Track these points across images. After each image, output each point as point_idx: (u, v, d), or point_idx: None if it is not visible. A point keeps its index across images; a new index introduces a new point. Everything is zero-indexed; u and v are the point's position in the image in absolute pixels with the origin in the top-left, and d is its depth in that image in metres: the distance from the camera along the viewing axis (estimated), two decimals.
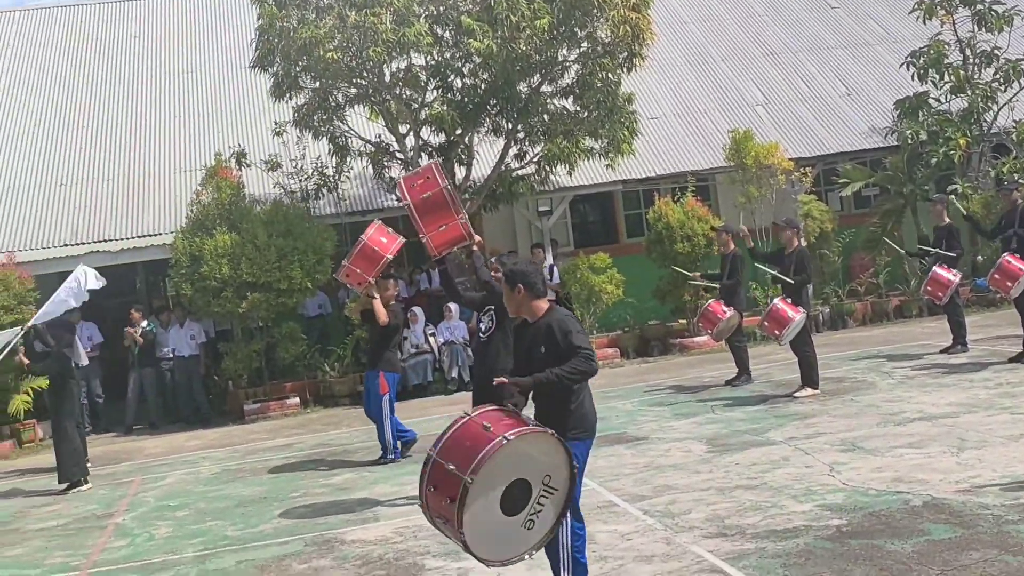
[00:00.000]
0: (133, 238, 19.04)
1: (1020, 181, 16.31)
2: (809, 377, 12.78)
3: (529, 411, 6.00)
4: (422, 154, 18.12)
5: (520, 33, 16.26)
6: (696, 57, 24.37)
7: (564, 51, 17.64)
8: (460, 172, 18.38)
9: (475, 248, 8.99)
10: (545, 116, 18.08)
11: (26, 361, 12.98)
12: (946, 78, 20.81)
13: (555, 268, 19.23)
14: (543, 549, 5.80)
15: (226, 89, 23.18)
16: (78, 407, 13.15)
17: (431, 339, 17.83)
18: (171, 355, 17.99)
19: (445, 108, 17.07)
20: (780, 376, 14.22)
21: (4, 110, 21.72)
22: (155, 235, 18.95)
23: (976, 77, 20.97)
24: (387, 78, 17.47)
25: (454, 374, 17.44)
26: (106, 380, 18.16)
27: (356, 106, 18.45)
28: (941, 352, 14.60)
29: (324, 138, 18.33)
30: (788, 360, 13.91)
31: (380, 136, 18.81)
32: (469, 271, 16.12)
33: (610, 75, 17.59)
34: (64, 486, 12.33)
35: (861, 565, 6.38)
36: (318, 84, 17.45)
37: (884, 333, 18.17)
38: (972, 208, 18.49)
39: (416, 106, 17.88)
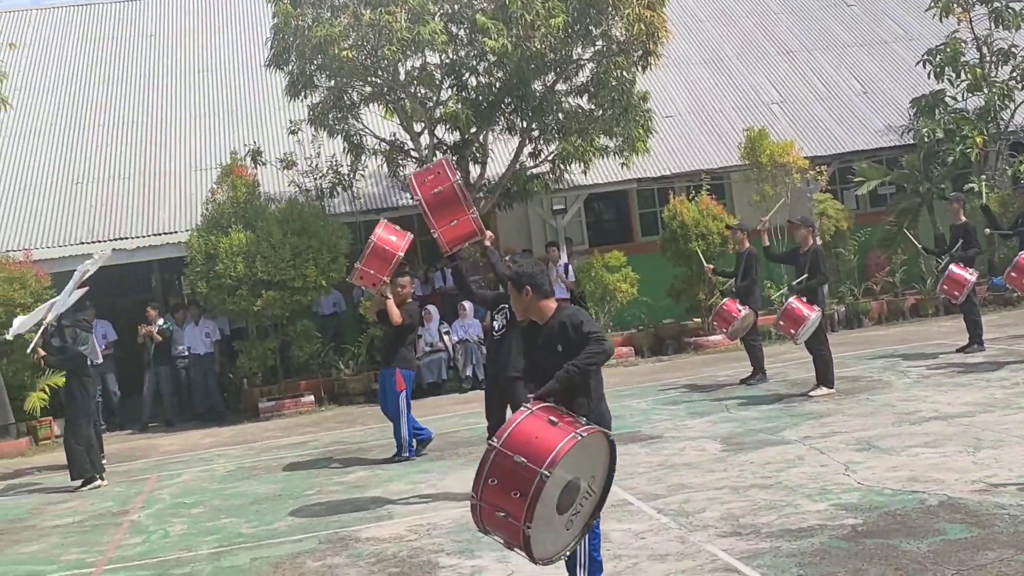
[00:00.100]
0: (149, 236, 19.13)
1: None
2: (824, 376, 12.74)
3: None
4: (437, 152, 18.12)
5: (535, 32, 16.26)
6: (711, 55, 24.32)
7: (579, 49, 17.63)
8: (475, 170, 18.39)
9: (488, 243, 8.97)
10: (560, 114, 18.07)
11: (42, 353, 13.07)
12: (963, 76, 20.71)
13: (570, 267, 19.22)
14: None
15: (242, 88, 23.25)
16: (93, 404, 13.21)
17: (445, 337, 17.85)
18: (186, 353, 18.07)
19: (460, 106, 17.06)
20: (795, 375, 14.18)
21: (21, 109, 21.81)
22: (171, 233, 19.03)
23: (993, 75, 20.87)
24: (402, 76, 17.49)
25: (468, 372, 17.46)
26: (122, 378, 18.23)
27: (371, 104, 18.47)
28: (957, 351, 14.52)
29: (339, 136, 18.36)
30: (803, 359, 13.87)
31: (395, 134, 18.83)
32: (485, 269, 16.15)
33: (625, 73, 17.57)
34: (78, 483, 12.39)
35: (876, 565, 6.35)
36: (333, 83, 17.48)
37: (900, 332, 18.10)
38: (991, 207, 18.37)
39: (431, 104, 17.89)
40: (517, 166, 18.45)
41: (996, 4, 20.53)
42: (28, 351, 12.72)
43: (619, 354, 17.92)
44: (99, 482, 12.48)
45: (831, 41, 24.82)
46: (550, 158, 18.63)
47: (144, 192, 20.53)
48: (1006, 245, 17.95)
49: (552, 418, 5.38)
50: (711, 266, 16.02)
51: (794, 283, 13.43)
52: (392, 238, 10.91)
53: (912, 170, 20.70)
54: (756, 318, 14.28)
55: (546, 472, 5.12)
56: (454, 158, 17.76)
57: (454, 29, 17.29)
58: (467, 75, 17.82)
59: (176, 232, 18.95)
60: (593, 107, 18.06)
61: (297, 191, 18.74)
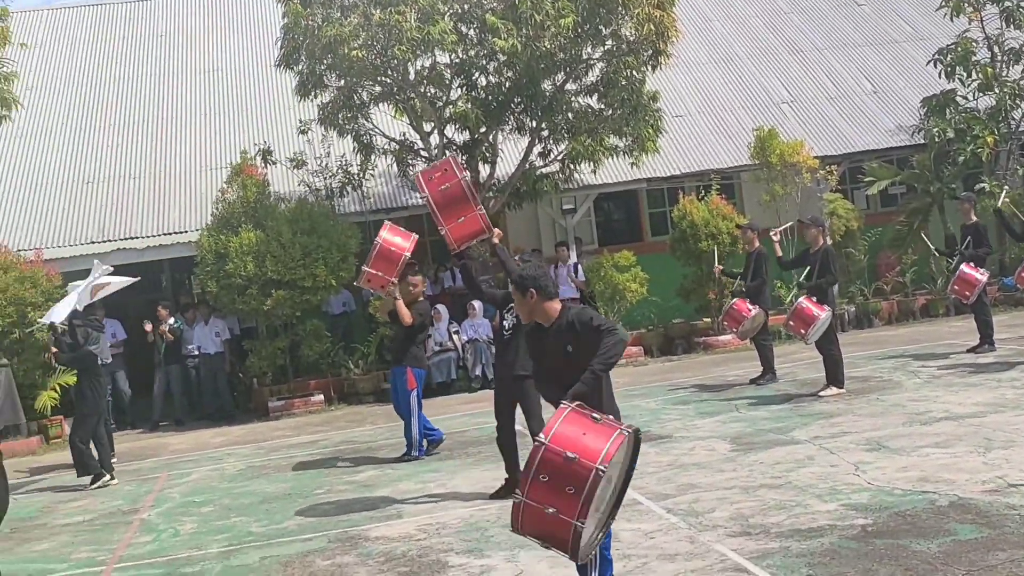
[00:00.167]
0: (159, 235, 19.18)
1: None
2: (834, 376, 12.71)
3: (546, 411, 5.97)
4: (446, 152, 18.12)
5: (544, 31, 16.27)
6: (721, 54, 24.29)
7: (588, 49, 17.64)
8: (484, 170, 18.40)
9: (495, 241, 8.95)
10: (569, 114, 18.07)
11: (54, 349, 13.14)
12: (974, 75, 20.65)
13: (579, 266, 19.22)
14: None
15: (252, 87, 23.29)
16: (103, 403, 13.26)
17: (455, 337, 17.86)
18: (197, 352, 18.12)
19: (469, 106, 17.07)
20: (805, 375, 14.16)
21: (32, 108, 21.88)
22: (181, 232, 19.08)
23: (1004, 74, 20.80)
24: (412, 76, 17.50)
25: (478, 372, 17.47)
26: (132, 377, 18.28)
27: (381, 104, 18.49)
28: (968, 351, 14.48)
29: (349, 136, 18.38)
30: (813, 359, 13.85)
31: (404, 134, 18.85)
32: (495, 269, 16.16)
33: (635, 73, 17.57)
34: (88, 480, 12.44)
35: (886, 565, 6.34)
36: (343, 82, 17.51)
37: (910, 332, 18.06)
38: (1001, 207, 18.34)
39: (440, 104, 17.90)
40: (527, 166, 18.46)
41: (1007, 3, 20.47)
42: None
43: (628, 354, 17.91)
44: (108, 478, 12.52)
45: (841, 40, 24.77)
46: (560, 158, 18.63)
47: (154, 191, 20.59)
48: (1017, 246, 17.91)
49: (594, 415, 5.39)
50: (720, 267, 16.00)
51: (801, 280, 13.40)
52: (397, 239, 10.93)
53: (923, 170, 20.65)
54: (766, 318, 14.27)
55: (601, 468, 5.12)
56: (464, 158, 17.78)
57: (464, 29, 17.30)
58: (477, 75, 17.84)
59: (186, 231, 19.01)
60: (603, 107, 18.05)
61: (307, 191, 18.77)
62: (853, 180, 21.98)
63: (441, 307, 18.21)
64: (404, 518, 9.08)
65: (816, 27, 25.25)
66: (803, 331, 12.76)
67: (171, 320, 17.90)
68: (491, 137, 18.29)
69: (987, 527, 6.84)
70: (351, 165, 18.87)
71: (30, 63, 23.15)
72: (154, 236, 19.16)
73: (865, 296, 20.02)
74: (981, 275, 14.13)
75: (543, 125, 18.11)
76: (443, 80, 17.59)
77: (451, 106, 17.70)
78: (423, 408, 11.80)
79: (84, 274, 17.51)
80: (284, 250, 16.59)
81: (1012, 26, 20.48)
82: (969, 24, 20.83)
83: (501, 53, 16.71)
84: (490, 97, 17.81)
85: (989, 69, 20.60)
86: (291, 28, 17.08)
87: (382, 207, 19.74)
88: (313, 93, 17.89)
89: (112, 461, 13.18)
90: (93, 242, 19.06)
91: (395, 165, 18.97)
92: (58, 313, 12.95)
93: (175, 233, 19.15)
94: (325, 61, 16.98)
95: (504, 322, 9.36)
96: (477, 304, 17.75)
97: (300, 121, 18.86)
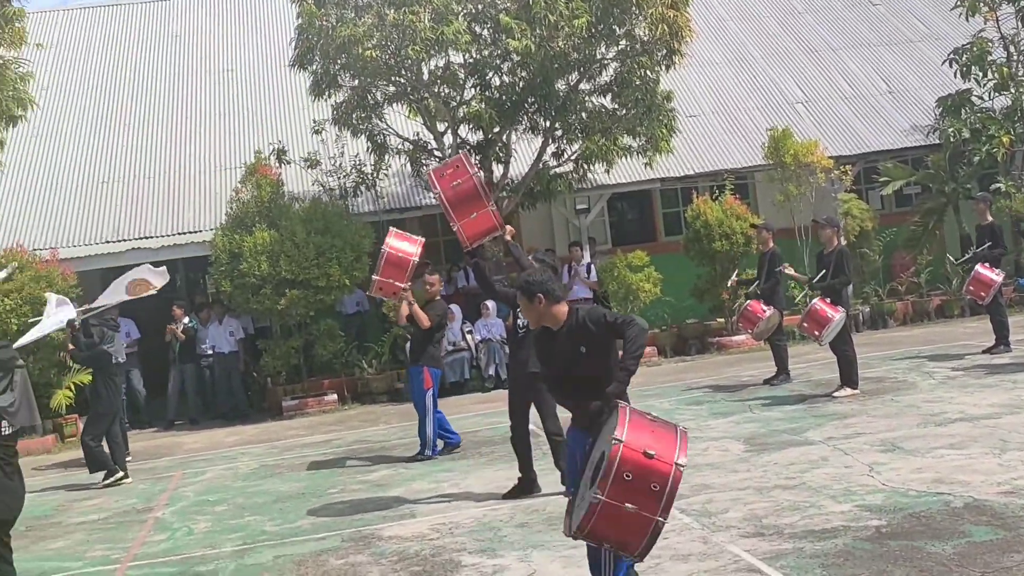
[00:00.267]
0: (174, 235, 19.22)
1: None
2: (848, 377, 12.67)
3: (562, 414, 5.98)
4: (460, 152, 18.14)
5: (558, 32, 16.26)
6: (735, 54, 24.24)
7: (602, 49, 17.62)
8: (498, 170, 18.40)
9: (508, 238, 8.94)
10: (583, 114, 18.06)
11: (71, 346, 13.20)
12: (989, 75, 20.53)
13: (592, 266, 19.21)
14: (585, 546, 5.79)
15: (266, 87, 23.33)
16: (118, 403, 13.31)
17: (468, 337, 17.87)
18: (211, 351, 18.16)
19: (483, 106, 17.07)
20: (819, 376, 14.12)
21: (47, 108, 21.94)
22: (195, 232, 19.12)
23: (1020, 74, 20.69)
24: (425, 76, 17.52)
25: (491, 371, 17.47)
26: (147, 376, 18.33)
27: (394, 104, 18.50)
28: (983, 352, 14.41)
29: (363, 136, 18.39)
30: (827, 359, 13.81)
31: (418, 134, 18.86)
32: (509, 268, 16.15)
33: (648, 73, 17.54)
34: (102, 476, 12.49)
35: (901, 566, 6.32)
36: (357, 82, 17.53)
37: (925, 333, 17.99)
38: (1015, 207, 18.29)
39: (454, 104, 17.91)
40: (540, 166, 18.45)
41: (1023, 3, 20.36)
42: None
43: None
44: (121, 475, 12.56)
45: (856, 40, 24.68)
46: (573, 158, 18.61)
47: (169, 191, 20.64)
48: None
49: (649, 414, 5.44)
50: (735, 279, 16.00)
51: (814, 280, 13.37)
52: (404, 244, 10.98)
53: (938, 170, 20.57)
54: (781, 318, 14.23)
55: (681, 463, 5.19)
56: (477, 158, 17.78)
57: (477, 29, 17.31)
58: (490, 75, 17.84)
59: (201, 231, 19.04)
60: (616, 107, 18.03)
61: (321, 190, 18.80)
62: (868, 180, 21.90)
63: (455, 307, 18.19)
64: (417, 517, 9.09)
65: (831, 27, 25.17)
66: (817, 333, 12.73)
67: (185, 319, 17.96)
68: (505, 137, 18.29)
69: (1002, 529, 6.81)
70: (365, 165, 18.88)
71: (46, 63, 23.22)
72: (169, 236, 19.20)
73: (880, 297, 19.95)
74: (996, 276, 14.07)
75: (557, 125, 18.11)
76: (457, 80, 17.60)
77: (465, 106, 17.71)
78: (443, 410, 11.83)
79: (101, 273, 17.71)
80: (298, 250, 16.63)
81: None
82: (984, 24, 20.72)
83: (515, 53, 16.71)
84: (504, 97, 17.81)
85: (1005, 69, 20.48)
86: (305, 28, 17.12)
87: (396, 207, 19.75)
88: (327, 93, 17.92)
89: (127, 460, 13.24)
90: (108, 241, 19.13)
91: (409, 165, 18.99)
92: (71, 310, 13.06)
93: (190, 233, 19.19)
94: (339, 61, 17.01)
95: (518, 321, 9.36)
96: (490, 304, 17.76)
97: (314, 121, 18.89)
